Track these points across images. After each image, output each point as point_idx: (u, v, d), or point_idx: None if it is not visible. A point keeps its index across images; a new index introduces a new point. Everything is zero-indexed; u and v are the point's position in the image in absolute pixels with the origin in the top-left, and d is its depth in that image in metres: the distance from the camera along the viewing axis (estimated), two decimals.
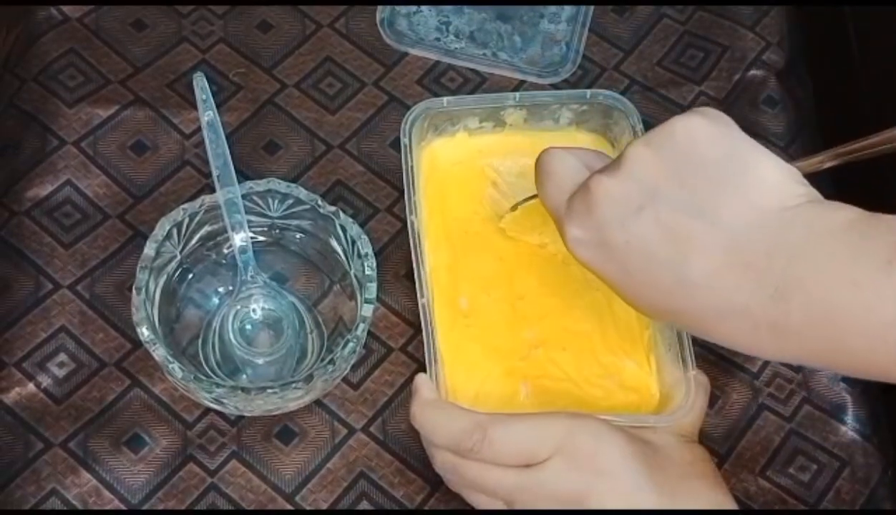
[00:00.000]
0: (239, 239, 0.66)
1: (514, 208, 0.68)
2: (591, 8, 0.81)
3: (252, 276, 0.67)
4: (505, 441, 0.56)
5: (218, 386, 0.61)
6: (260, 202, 0.67)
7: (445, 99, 0.71)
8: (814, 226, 0.48)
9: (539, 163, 0.59)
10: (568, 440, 0.56)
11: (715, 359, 0.69)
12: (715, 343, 0.52)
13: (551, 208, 0.58)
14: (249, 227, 0.67)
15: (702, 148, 0.51)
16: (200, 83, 0.69)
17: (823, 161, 0.55)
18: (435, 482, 0.65)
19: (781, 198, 0.50)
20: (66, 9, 0.79)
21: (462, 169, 0.72)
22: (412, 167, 0.67)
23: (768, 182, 0.50)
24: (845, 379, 0.69)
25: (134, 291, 0.62)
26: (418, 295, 0.64)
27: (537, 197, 0.61)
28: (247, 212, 0.66)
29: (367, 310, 0.62)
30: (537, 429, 0.56)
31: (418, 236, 0.65)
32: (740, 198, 0.50)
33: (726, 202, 0.50)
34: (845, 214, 0.49)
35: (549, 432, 0.56)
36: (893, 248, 0.46)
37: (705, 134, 0.51)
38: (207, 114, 0.68)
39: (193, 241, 0.66)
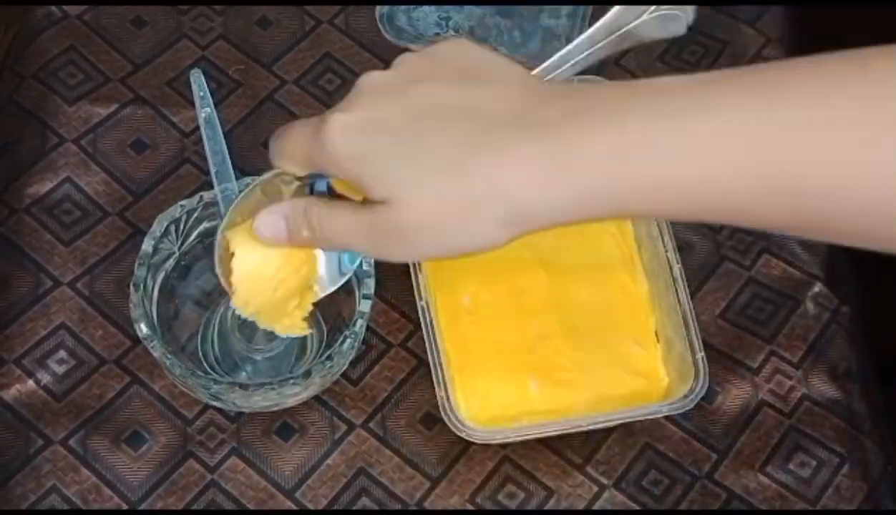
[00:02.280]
0: None
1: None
2: None
3: None
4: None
5: (216, 382, 0.61)
6: None
7: None
8: (581, 84, 0.49)
9: (274, 137, 0.54)
10: None
11: (716, 356, 0.69)
12: (511, 211, 0.47)
13: (299, 143, 0.51)
14: None
15: (469, 50, 0.51)
16: (197, 79, 0.69)
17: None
18: (435, 477, 0.65)
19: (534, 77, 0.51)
20: (65, 6, 0.79)
21: None
22: None
23: (528, 72, 0.51)
24: (845, 374, 0.69)
25: (132, 288, 0.62)
26: (416, 297, 0.64)
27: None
28: None
29: (365, 306, 0.62)
30: None
31: None
32: (509, 75, 0.49)
33: (496, 76, 0.49)
34: None
35: None
36: (668, 78, 0.46)
37: (471, 45, 0.51)
38: (205, 111, 0.68)
39: (192, 238, 0.66)
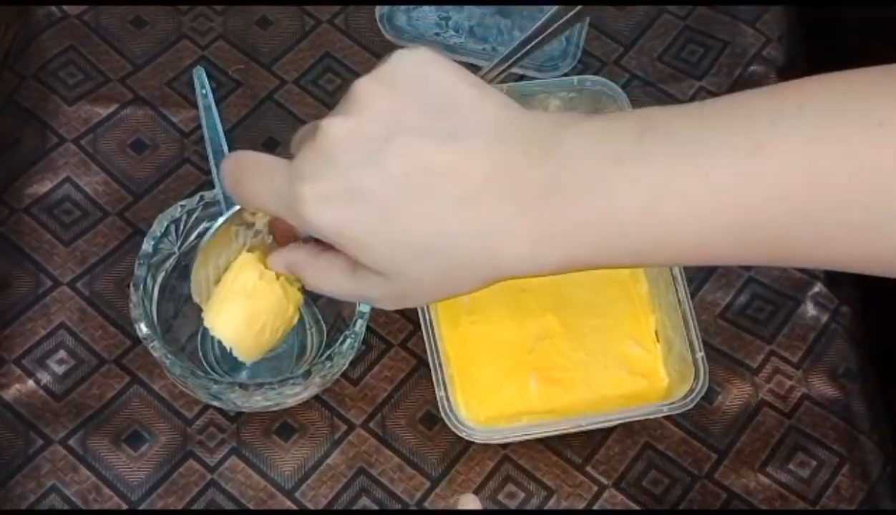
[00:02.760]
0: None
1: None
2: None
3: None
4: None
5: (216, 382, 0.61)
6: None
7: None
8: (559, 120, 0.47)
9: (227, 170, 0.52)
10: None
11: (715, 356, 0.69)
12: (502, 275, 0.48)
13: (267, 197, 0.50)
14: None
15: (431, 74, 0.48)
16: (200, 78, 0.69)
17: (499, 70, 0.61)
18: (435, 477, 0.65)
19: (514, 106, 0.48)
20: (65, 6, 0.79)
21: None
22: None
23: (499, 96, 0.49)
24: (845, 374, 0.69)
25: (132, 288, 0.62)
26: None
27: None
28: None
29: (365, 306, 0.62)
30: None
31: None
32: (483, 112, 0.47)
33: (472, 119, 0.47)
34: (577, 112, 0.50)
35: None
36: (641, 122, 0.46)
37: (429, 62, 0.48)
38: (206, 109, 0.68)
39: (192, 238, 0.66)
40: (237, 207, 0.56)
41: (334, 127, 0.47)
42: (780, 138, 0.43)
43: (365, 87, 0.47)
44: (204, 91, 0.68)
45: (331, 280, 0.51)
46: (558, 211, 0.45)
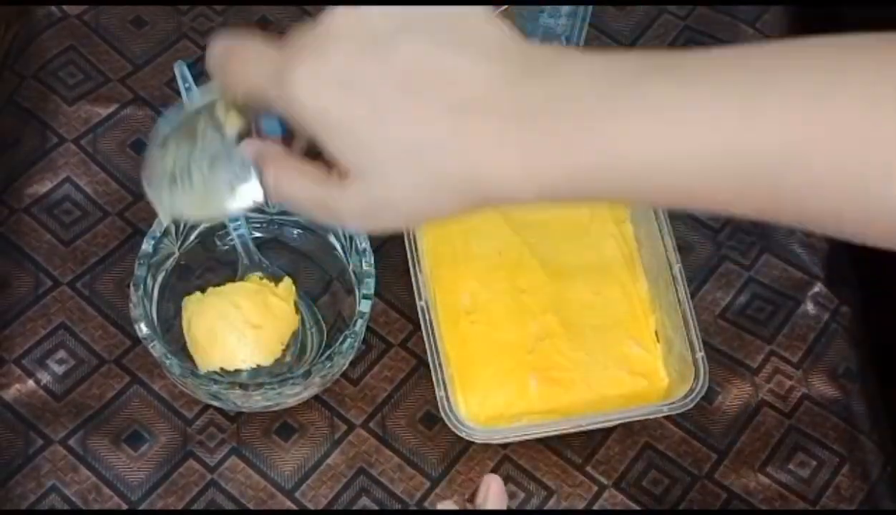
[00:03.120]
0: (237, 235, 0.66)
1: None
2: None
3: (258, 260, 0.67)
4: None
5: (216, 382, 0.61)
6: None
7: None
8: (565, 49, 0.47)
9: (217, 50, 0.49)
10: None
11: (716, 356, 0.69)
12: (484, 195, 0.46)
13: (256, 76, 0.47)
14: (248, 223, 0.67)
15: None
16: (182, 72, 0.68)
17: None
18: (435, 477, 0.65)
19: (519, 36, 0.47)
20: (65, 6, 0.79)
21: None
22: None
23: (505, 25, 0.47)
24: (845, 374, 0.69)
25: (132, 288, 0.62)
26: (416, 297, 0.64)
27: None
28: None
29: (366, 306, 0.62)
30: None
31: (414, 235, 0.66)
32: (491, 32, 0.46)
33: (480, 35, 0.46)
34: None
35: None
36: (648, 57, 0.44)
37: None
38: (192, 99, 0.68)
39: (192, 238, 0.66)
40: (209, 100, 0.52)
41: (341, 12, 0.45)
42: (783, 89, 0.42)
43: None
44: (187, 85, 0.68)
45: (296, 182, 0.48)
46: (551, 133, 0.44)
